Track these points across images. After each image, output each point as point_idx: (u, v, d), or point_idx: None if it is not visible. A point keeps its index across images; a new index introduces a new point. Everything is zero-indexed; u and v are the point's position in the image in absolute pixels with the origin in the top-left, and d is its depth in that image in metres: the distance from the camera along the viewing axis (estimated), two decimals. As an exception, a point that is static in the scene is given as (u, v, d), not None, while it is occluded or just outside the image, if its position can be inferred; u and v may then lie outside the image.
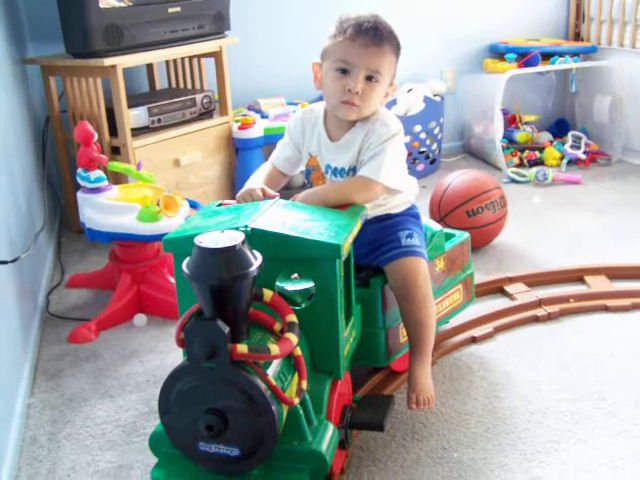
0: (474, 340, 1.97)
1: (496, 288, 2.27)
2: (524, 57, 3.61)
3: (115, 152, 2.73)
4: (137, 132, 2.75)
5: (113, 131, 2.72)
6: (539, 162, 3.63)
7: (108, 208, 2.16)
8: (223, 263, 1.10)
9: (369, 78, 1.55)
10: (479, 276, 2.34)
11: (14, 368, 1.78)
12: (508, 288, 2.25)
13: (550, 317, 2.08)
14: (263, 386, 1.15)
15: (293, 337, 1.21)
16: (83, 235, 2.47)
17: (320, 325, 1.35)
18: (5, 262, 1.73)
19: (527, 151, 3.69)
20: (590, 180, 3.39)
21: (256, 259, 1.14)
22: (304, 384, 1.26)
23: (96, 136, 2.22)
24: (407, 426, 1.63)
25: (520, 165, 3.61)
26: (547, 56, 3.64)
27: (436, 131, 3.56)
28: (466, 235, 1.97)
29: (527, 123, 3.90)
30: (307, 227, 1.35)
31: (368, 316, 1.62)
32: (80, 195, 2.23)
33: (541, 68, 3.63)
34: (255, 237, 1.29)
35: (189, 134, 2.91)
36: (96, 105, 2.71)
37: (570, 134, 3.73)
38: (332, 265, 1.31)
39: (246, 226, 1.31)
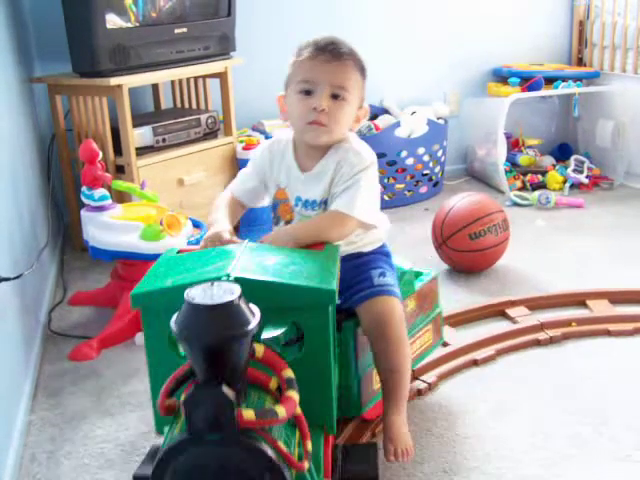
0: (476, 363, 1.97)
1: (498, 311, 2.27)
2: (527, 81, 3.63)
3: (119, 171, 2.74)
4: (141, 151, 2.77)
5: (118, 150, 2.74)
6: (542, 186, 3.64)
7: (111, 226, 2.17)
8: (221, 320, 0.98)
9: (335, 96, 1.47)
10: (481, 299, 2.35)
11: (15, 385, 1.78)
12: (510, 311, 2.24)
13: (552, 341, 2.08)
14: (276, 457, 1.03)
15: (295, 395, 1.09)
16: (86, 253, 2.47)
17: (312, 377, 1.23)
18: (8, 279, 1.74)
19: (530, 175, 3.70)
20: (593, 204, 3.39)
21: (254, 314, 1.03)
22: (309, 445, 1.13)
23: (101, 155, 2.23)
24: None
25: (523, 189, 3.62)
26: (550, 81, 3.67)
27: (439, 154, 3.58)
28: (435, 272, 1.88)
29: (530, 147, 3.92)
30: (291, 272, 1.26)
31: (340, 363, 1.51)
32: (84, 213, 2.24)
33: (544, 92, 3.65)
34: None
35: (193, 154, 2.93)
36: (101, 124, 2.72)
37: (573, 158, 3.75)
38: (325, 312, 1.23)
39: (228, 275, 1.19)
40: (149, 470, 1.05)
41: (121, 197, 2.64)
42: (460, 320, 2.21)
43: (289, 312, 1.22)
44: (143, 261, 2.16)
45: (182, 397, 1.01)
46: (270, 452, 1.01)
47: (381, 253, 1.63)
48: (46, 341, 2.22)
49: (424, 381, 1.86)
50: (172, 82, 3.20)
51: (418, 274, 1.84)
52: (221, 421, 0.99)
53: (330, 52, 1.48)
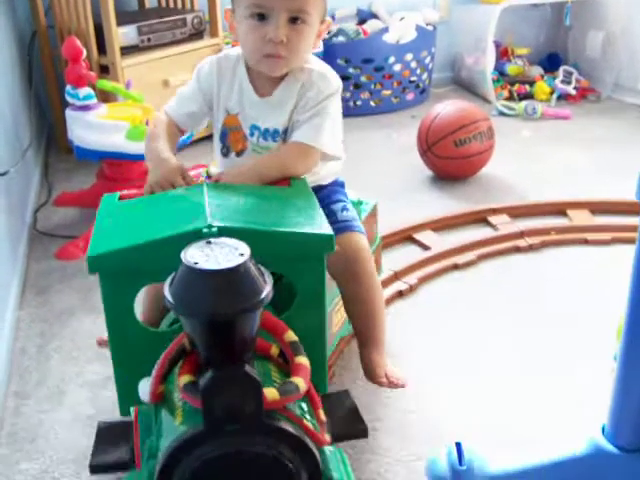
0: (456, 267, 2.01)
1: (480, 218, 2.30)
2: (519, -12, 3.57)
3: (103, 71, 2.69)
4: (126, 51, 2.72)
5: (101, 49, 2.69)
6: (529, 96, 3.62)
7: (97, 126, 2.15)
8: (235, 288, 0.82)
9: (293, 20, 1.27)
10: (464, 206, 2.37)
11: (2, 282, 1.80)
12: (492, 219, 2.28)
13: (531, 248, 2.12)
14: (305, 437, 0.89)
15: (305, 360, 0.95)
16: (71, 155, 2.46)
17: (305, 334, 1.02)
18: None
19: (517, 84, 3.67)
20: (579, 116, 3.39)
21: (265, 277, 0.86)
22: (322, 415, 1.00)
23: (85, 53, 2.19)
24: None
25: (510, 98, 3.60)
26: (543, -12, 3.60)
27: (427, 60, 3.54)
28: (374, 202, 1.72)
29: (519, 56, 3.87)
30: (277, 217, 1.12)
31: None
32: (69, 112, 2.22)
33: (535, 0, 3.58)
34: (210, 234, 1.00)
35: (179, 55, 2.87)
36: (84, 21, 2.66)
37: (561, 69, 3.72)
38: (321, 262, 1.08)
39: (209, 226, 1.01)
40: (109, 457, 0.97)
41: (105, 97, 2.61)
42: (442, 226, 2.25)
43: (279, 264, 1.02)
44: (129, 161, 2.17)
45: (181, 382, 0.88)
46: (299, 433, 0.88)
47: (338, 184, 1.48)
48: (32, 241, 2.24)
49: (406, 282, 1.90)
50: (156, -20, 3.11)
51: (359, 203, 1.65)
52: (247, 407, 0.84)
53: None
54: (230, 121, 1.40)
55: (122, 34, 2.69)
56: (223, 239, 0.88)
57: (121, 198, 1.23)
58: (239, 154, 1.41)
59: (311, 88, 1.34)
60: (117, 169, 2.23)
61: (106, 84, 2.30)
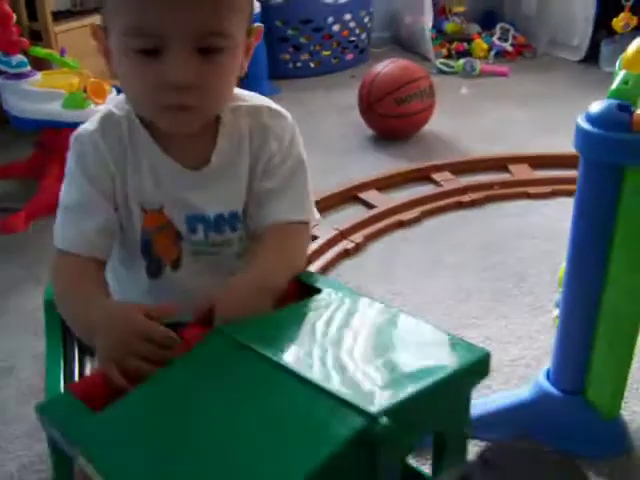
0: (401, 224, 2.04)
1: (423, 176, 2.32)
2: (455, -55, 3.58)
3: (35, 38, 2.62)
4: (58, 16, 2.65)
5: (32, 15, 2.61)
6: (467, 53, 3.65)
7: (33, 95, 2.11)
8: None
9: (205, 50, 0.82)
10: (407, 164, 2.40)
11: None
12: (435, 176, 2.30)
13: (474, 203, 2.15)
14: None
15: None
16: (4, 126, 2.39)
17: None
18: None
19: (455, 42, 3.70)
20: (517, 72, 3.43)
21: None
22: None
23: (15, 17, 2.13)
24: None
25: (448, 56, 3.63)
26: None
27: (366, 20, 3.54)
28: None
29: (456, 14, 3.90)
30: (408, 354, 0.74)
31: None
32: (1, 81, 2.16)
33: (471, -43, 3.61)
34: (389, 430, 0.61)
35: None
36: (13, -14, 2.58)
37: (498, 26, 3.75)
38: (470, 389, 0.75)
39: (373, 417, 0.61)
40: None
41: (39, 65, 2.53)
42: (386, 184, 2.26)
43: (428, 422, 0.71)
44: (68, 129, 2.12)
45: None
46: None
47: None
48: (-31, 215, 2.18)
49: (352, 241, 1.92)
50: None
51: None
52: None
53: None
54: (152, 221, 0.93)
55: (53, -2, 2.62)
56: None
57: (70, 389, 0.75)
58: (175, 267, 0.96)
59: (267, 137, 0.94)
60: (55, 138, 2.18)
61: (40, 51, 2.24)
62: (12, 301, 1.77)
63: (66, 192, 0.93)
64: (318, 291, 0.84)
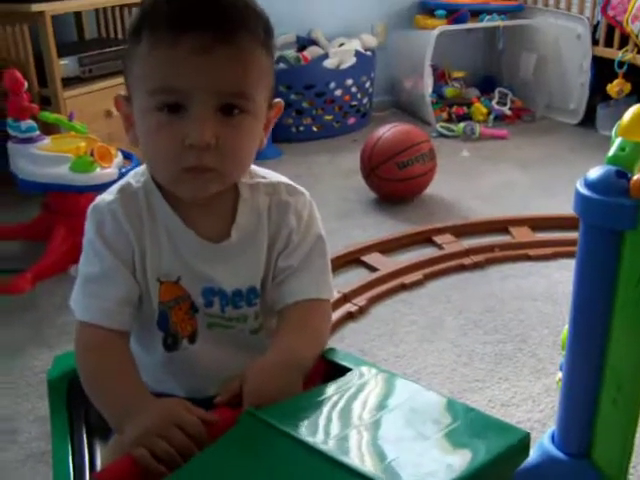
0: (404, 287, 2.05)
1: (425, 238, 2.35)
2: (453, 14, 3.67)
3: (45, 103, 2.66)
4: (68, 82, 2.71)
5: (42, 81, 2.67)
6: (467, 117, 3.72)
7: (41, 159, 2.14)
8: None
9: (226, 109, 0.82)
10: (409, 227, 2.42)
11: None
12: (436, 238, 2.32)
13: (476, 266, 2.17)
14: None
15: None
16: (10, 187, 2.42)
17: None
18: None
19: (455, 106, 3.77)
20: (516, 135, 3.49)
21: None
22: None
23: (26, 85, 2.18)
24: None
25: (449, 120, 3.69)
26: (476, 13, 3.72)
27: (367, 85, 3.61)
28: None
29: (456, 79, 3.98)
30: (442, 440, 0.73)
31: None
32: (11, 145, 2.20)
33: (469, 25, 3.70)
34: None
35: (121, 85, 2.85)
36: (23, 53, 2.65)
37: (497, 91, 3.83)
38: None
39: None
40: None
41: (47, 130, 2.58)
42: (389, 247, 2.28)
43: None
44: (75, 193, 2.16)
45: None
46: None
47: None
48: (-24, 276, 2.20)
49: (355, 304, 1.93)
50: (96, 11, 3.11)
51: None
52: None
53: (212, 30, 0.79)
54: (169, 292, 0.91)
55: (63, 65, 2.68)
56: None
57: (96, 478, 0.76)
58: (192, 340, 0.93)
59: (286, 213, 0.93)
60: (62, 201, 2.21)
61: (49, 116, 2.28)
62: (17, 361, 1.77)
63: (85, 262, 0.91)
64: (344, 368, 0.84)
